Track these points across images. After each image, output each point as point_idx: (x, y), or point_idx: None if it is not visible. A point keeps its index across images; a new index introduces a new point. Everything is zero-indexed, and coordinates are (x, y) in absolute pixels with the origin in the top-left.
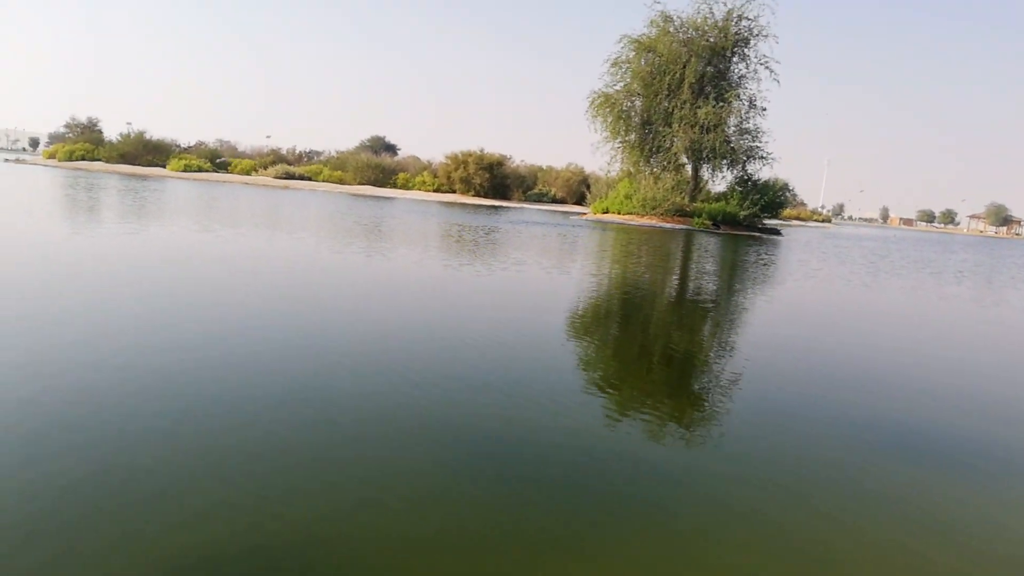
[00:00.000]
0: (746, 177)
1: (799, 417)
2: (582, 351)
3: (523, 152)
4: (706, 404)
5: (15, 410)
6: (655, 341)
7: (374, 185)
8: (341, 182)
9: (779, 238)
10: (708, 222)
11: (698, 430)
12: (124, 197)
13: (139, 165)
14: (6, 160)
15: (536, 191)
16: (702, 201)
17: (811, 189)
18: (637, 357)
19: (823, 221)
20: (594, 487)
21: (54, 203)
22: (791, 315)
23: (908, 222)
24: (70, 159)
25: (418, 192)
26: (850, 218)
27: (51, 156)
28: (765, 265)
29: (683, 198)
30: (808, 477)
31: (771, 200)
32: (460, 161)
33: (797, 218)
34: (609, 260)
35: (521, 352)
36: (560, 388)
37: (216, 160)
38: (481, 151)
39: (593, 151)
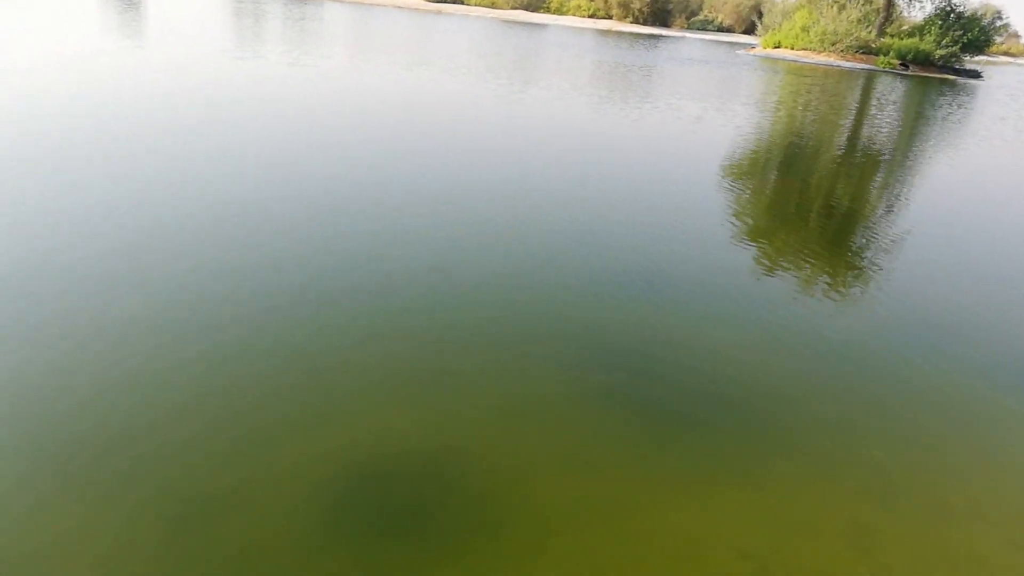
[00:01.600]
0: (949, 8)
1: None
2: (734, 201)
3: None
4: (858, 265)
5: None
6: (814, 196)
7: (526, 10)
8: (493, 6)
9: (978, 83)
10: (895, 61)
11: (846, 291)
12: (284, 24)
13: None
14: None
15: (700, 18)
16: (891, 36)
17: None
18: (794, 211)
19: None
20: (745, 327)
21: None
22: (969, 189)
23: None
24: None
25: (571, 18)
26: None
27: None
28: (955, 122)
29: (869, 32)
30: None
31: (975, 37)
32: None
33: (1006, 54)
34: (774, 105)
35: (666, 200)
36: (708, 237)
37: None
38: None
39: None
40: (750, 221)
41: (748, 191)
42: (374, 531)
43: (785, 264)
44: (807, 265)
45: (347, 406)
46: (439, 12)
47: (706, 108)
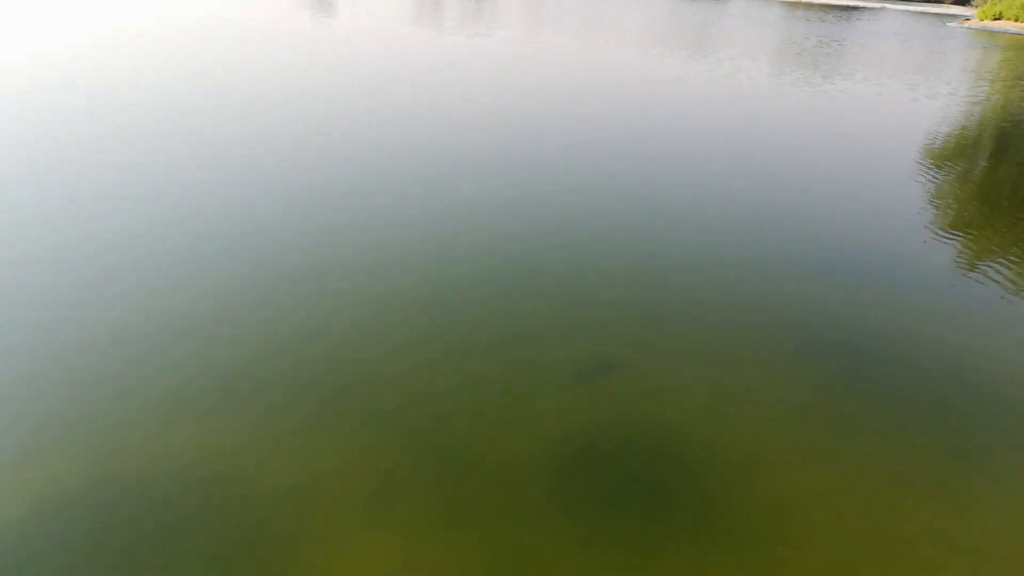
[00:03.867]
0: None
1: None
2: (934, 186)
3: None
4: None
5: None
6: None
7: None
8: None
9: None
10: None
11: None
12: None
13: None
14: None
15: None
16: None
17: None
18: (1007, 202)
19: None
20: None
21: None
22: None
23: None
24: None
25: None
26: None
27: None
28: None
29: None
30: None
31: None
32: None
33: None
34: (988, 84)
35: (849, 188)
36: (906, 224)
37: None
38: None
39: None
40: (954, 209)
41: (952, 177)
42: (601, 503)
43: (995, 259)
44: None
45: (580, 384)
46: None
47: (907, 86)
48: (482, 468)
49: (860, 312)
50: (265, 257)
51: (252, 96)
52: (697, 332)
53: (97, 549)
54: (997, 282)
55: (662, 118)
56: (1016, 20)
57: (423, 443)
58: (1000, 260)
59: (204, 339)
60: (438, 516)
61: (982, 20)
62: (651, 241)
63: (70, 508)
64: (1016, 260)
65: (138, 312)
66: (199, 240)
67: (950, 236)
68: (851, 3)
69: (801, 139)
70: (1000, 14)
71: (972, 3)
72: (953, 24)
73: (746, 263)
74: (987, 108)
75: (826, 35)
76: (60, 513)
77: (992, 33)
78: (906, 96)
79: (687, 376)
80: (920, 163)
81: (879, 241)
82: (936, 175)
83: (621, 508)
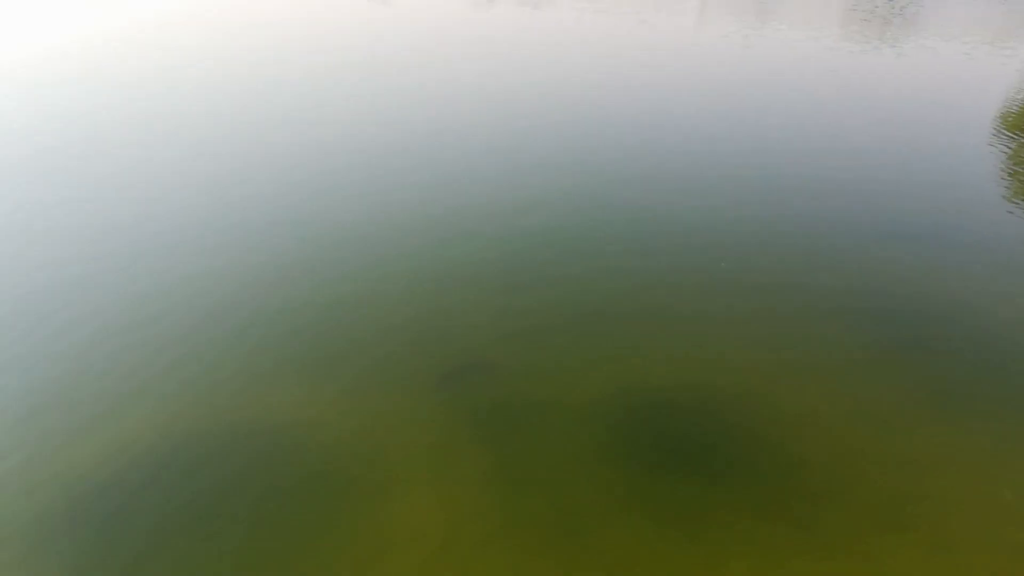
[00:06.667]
0: None
1: None
2: (1014, 155)
3: None
4: None
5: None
6: None
7: None
8: None
9: None
10: None
11: None
12: None
13: None
14: None
15: None
16: None
17: None
18: None
19: None
20: None
21: None
22: None
23: None
24: None
25: None
26: None
27: None
28: None
29: None
30: None
31: None
32: None
33: None
34: None
35: (932, 150)
36: (981, 195)
37: None
38: None
39: None
40: None
41: None
42: (652, 458)
43: None
44: None
45: (638, 343)
46: None
47: (981, 50)
48: (537, 425)
49: (927, 283)
50: (333, 225)
51: (322, 64)
52: (762, 295)
53: (193, 490)
54: None
55: (734, 86)
56: None
57: (477, 400)
58: None
59: (270, 302)
60: (493, 471)
61: None
62: (735, 207)
63: (159, 456)
64: None
65: (212, 279)
66: (275, 204)
67: None
68: None
69: (873, 106)
70: None
71: None
72: None
73: (821, 227)
74: None
75: None
76: (153, 459)
77: None
78: (982, 58)
79: (752, 339)
80: (997, 130)
81: (952, 211)
82: (1013, 143)
83: (664, 464)
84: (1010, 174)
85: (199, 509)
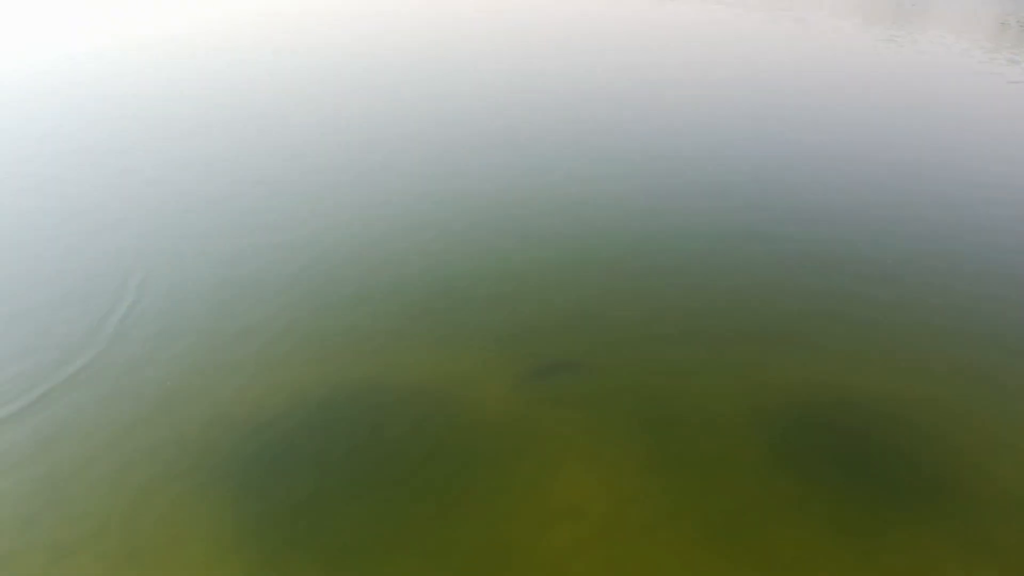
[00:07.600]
0: None
1: None
2: None
3: None
4: None
5: None
6: None
7: None
8: None
9: None
10: None
11: None
12: None
13: None
14: None
15: None
16: None
17: None
18: None
19: None
20: None
21: None
22: None
23: None
24: None
25: None
26: None
27: None
28: None
29: None
30: None
31: None
32: None
33: None
34: None
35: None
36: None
37: None
38: None
39: None
40: None
41: None
42: (823, 462)
43: None
44: None
45: (808, 350)
46: None
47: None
48: (689, 420)
49: None
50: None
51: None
52: (933, 300)
53: (349, 434)
54: None
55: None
56: None
57: (631, 394)
58: None
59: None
60: (644, 459)
61: None
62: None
63: (314, 404)
64: None
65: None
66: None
67: None
68: None
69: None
70: None
71: None
72: None
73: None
74: None
75: None
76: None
77: None
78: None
79: (925, 349)
80: None
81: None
82: None
83: (837, 467)
84: None
85: (362, 464)
